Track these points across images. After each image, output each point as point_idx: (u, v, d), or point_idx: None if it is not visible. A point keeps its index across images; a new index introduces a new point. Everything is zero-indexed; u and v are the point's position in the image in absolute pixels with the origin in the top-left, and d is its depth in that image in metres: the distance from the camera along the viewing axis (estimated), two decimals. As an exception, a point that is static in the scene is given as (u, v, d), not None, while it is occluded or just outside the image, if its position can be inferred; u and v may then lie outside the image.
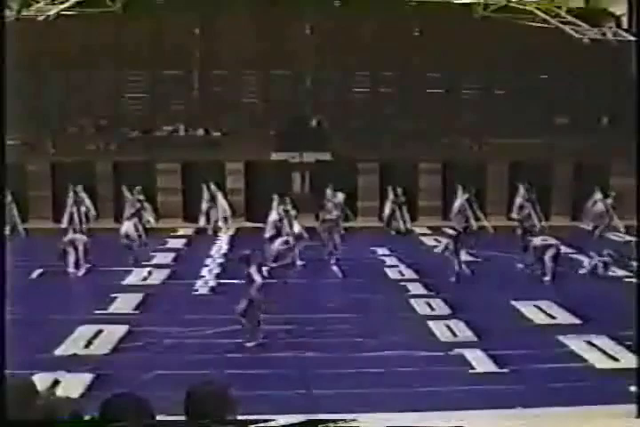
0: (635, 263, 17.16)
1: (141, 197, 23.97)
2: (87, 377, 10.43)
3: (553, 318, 13.89)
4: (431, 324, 13.27)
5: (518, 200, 24.79)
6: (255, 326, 11.97)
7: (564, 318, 13.84)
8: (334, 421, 3.33)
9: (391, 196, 24.72)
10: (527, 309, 14.33)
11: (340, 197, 24.27)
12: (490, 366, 11.10)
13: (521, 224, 21.77)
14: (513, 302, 14.70)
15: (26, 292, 15.30)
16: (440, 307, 14.50)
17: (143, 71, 28.37)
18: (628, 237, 21.50)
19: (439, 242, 20.46)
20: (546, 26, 27.40)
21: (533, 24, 27.34)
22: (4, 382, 3.58)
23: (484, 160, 26.50)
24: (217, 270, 17.89)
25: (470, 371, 10.97)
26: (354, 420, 3.36)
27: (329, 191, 24.51)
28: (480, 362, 11.25)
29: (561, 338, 12.38)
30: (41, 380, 7.94)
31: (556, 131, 26.78)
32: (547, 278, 16.63)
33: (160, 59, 27.74)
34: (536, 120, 26.84)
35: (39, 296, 15.02)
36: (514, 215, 24.34)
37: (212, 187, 25.02)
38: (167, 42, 27.81)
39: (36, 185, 25.57)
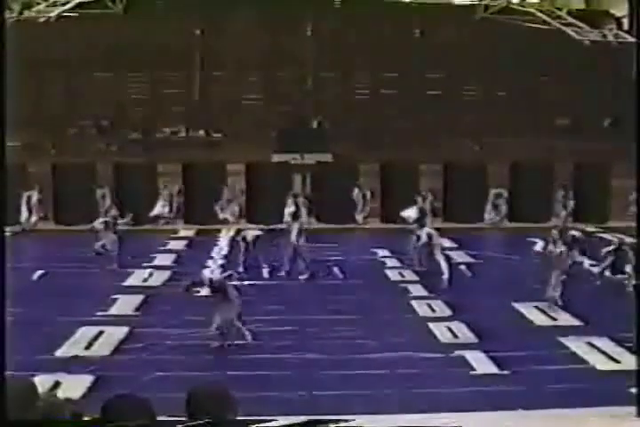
0: None
1: None
2: (88, 378, 10.42)
3: (554, 319, 13.88)
4: (432, 325, 13.26)
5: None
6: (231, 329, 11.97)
7: (564, 319, 13.83)
8: (334, 421, 3.33)
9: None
10: (528, 310, 14.33)
11: (369, 195, 24.77)
12: (491, 368, 11.09)
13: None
14: (514, 304, 14.70)
15: (28, 293, 15.34)
16: (441, 309, 14.49)
17: (144, 72, 28.40)
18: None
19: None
20: (546, 27, 27.41)
21: (534, 26, 27.35)
22: (4, 383, 3.59)
23: (484, 161, 26.51)
24: (218, 272, 17.87)
25: (471, 372, 10.96)
26: (353, 420, 3.36)
27: (356, 191, 24.91)
28: (481, 363, 11.24)
29: (562, 340, 12.37)
30: (42, 381, 7.95)
31: (556, 132, 26.80)
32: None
33: (161, 60, 27.76)
34: (536, 121, 26.85)
35: (41, 297, 15.03)
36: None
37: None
38: (168, 43, 27.82)
39: (37, 185, 25.54)
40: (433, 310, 14.39)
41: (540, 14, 27.57)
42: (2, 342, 4.01)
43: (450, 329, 12.99)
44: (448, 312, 14.19)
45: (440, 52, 27.52)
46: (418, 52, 27.88)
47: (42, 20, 27.18)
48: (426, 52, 27.78)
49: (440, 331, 12.91)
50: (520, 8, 27.75)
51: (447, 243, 19.70)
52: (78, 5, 27.10)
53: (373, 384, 10.32)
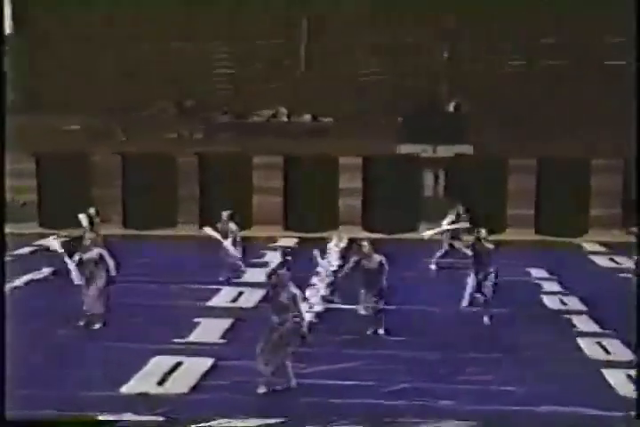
0: None
1: None
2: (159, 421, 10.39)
3: None
4: (607, 374, 12.65)
5: None
6: None
7: None
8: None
9: None
10: None
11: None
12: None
13: None
14: None
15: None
16: (619, 350, 13.96)
17: (237, 42, 28.73)
18: None
19: (617, 263, 19.97)
20: None
21: None
22: (4, 383, 3.77)
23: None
24: (324, 292, 17.78)
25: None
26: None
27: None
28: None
29: None
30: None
31: None
32: None
33: (258, 26, 28.03)
34: None
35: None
36: None
37: None
38: (267, 5, 28.10)
39: (102, 180, 26.05)
40: (608, 353, 13.90)
41: None
42: (2, 343, 3.94)
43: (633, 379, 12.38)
44: (629, 356, 13.57)
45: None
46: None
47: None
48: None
49: (620, 383, 12.27)
50: None
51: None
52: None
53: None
